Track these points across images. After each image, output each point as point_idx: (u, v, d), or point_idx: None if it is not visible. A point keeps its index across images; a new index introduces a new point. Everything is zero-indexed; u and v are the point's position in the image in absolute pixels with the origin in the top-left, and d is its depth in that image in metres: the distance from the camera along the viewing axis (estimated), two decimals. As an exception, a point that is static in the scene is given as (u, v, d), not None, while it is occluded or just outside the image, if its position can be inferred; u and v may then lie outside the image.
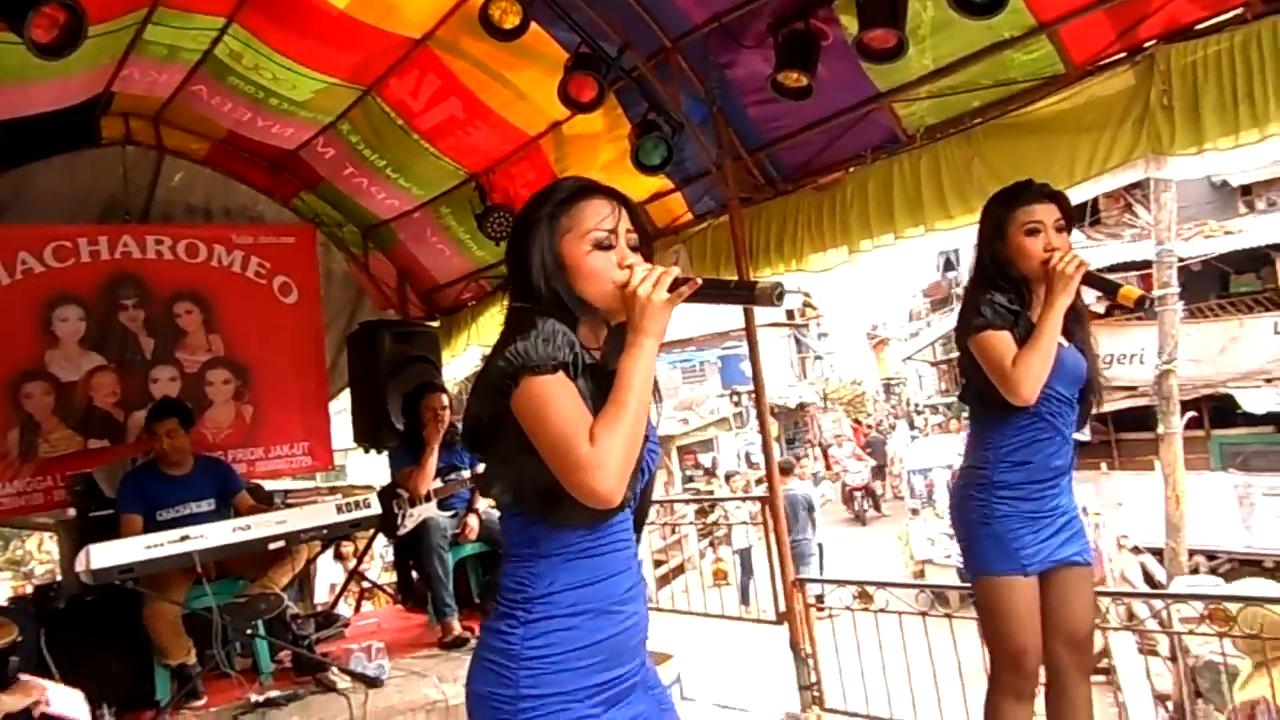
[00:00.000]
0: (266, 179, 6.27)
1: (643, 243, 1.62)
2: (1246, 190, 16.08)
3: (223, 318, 5.94)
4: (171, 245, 5.77)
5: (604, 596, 1.53)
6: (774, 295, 1.47)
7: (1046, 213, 2.47)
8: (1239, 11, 3.04)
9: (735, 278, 1.39)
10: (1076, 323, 2.54)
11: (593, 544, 1.53)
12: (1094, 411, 2.63)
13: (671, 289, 1.49)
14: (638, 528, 1.67)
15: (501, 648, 1.52)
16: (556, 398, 1.43)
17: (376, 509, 4.36)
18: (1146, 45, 3.26)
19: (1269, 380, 12.17)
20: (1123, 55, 3.34)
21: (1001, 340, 2.43)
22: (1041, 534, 2.49)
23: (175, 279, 5.78)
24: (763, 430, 4.83)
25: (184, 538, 3.82)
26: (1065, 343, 2.52)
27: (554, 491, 1.44)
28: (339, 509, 4.27)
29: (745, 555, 10.78)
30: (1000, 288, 2.51)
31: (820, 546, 11.42)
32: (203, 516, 4.44)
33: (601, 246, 1.56)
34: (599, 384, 1.50)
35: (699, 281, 1.50)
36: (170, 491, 4.49)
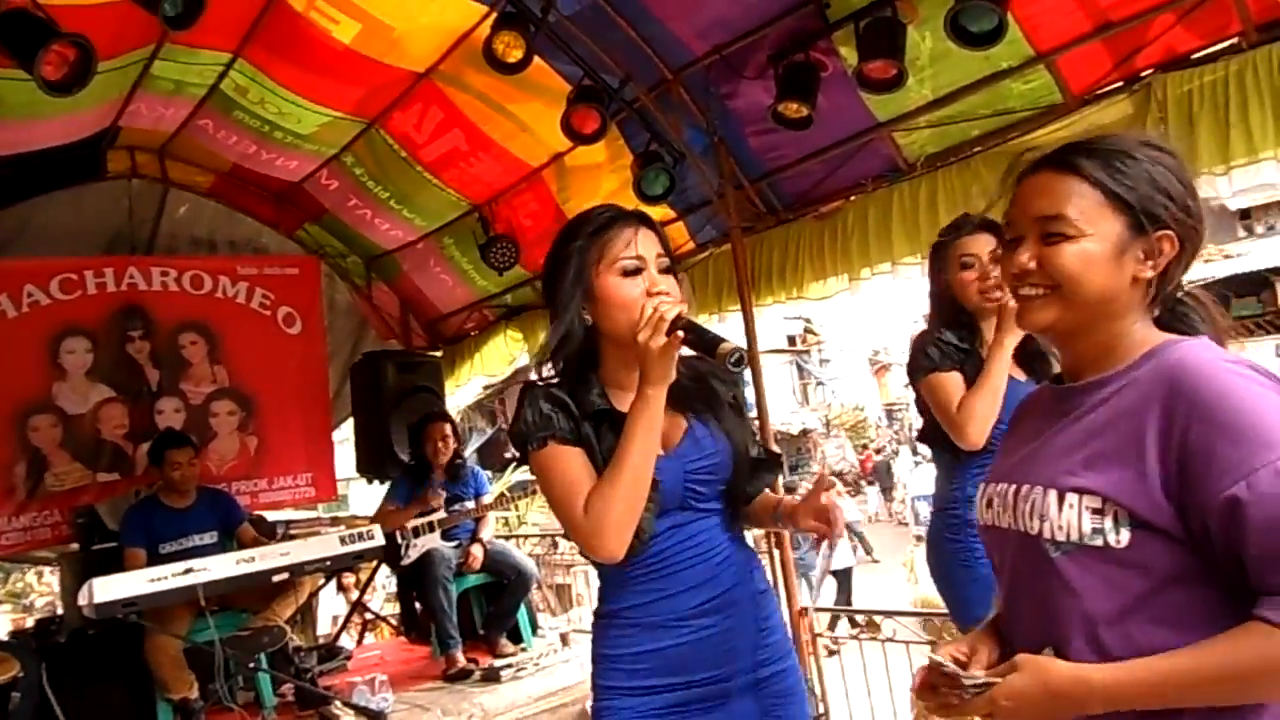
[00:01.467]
0: (271, 211, 6.31)
1: (673, 270, 1.64)
2: (1245, 214, 16.16)
3: (227, 349, 5.95)
4: (177, 277, 5.80)
5: (665, 612, 1.60)
6: (729, 359, 1.48)
7: (982, 245, 2.43)
8: (1234, 41, 3.08)
9: (713, 333, 1.41)
10: (1038, 357, 2.49)
11: (642, 573, 1.61)
12: None
13: (671, 330, 1.49)
14: (732, 529, 1.70)
15: (591, 648, 1.71)
16: (550, 469, 1.56)
17: (380, 540, 4.35)
18: (1144, 74, 3.30)
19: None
20: (1120, 85, 3.37)
21: (948, 382, 2.41)
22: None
23: (181, 310, 5.80)
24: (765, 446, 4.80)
25: (188, 570, 3.80)
26: (1022, 378, 2.47)
27: None
28: (342, 540, 4.25)
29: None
30: (951, 325, 2.49)
31: (849, 572, 11.45)
32: (206, 549, 4.43)
33: (629, 273, 1.58)
34: (616, 430, 1.56)
35: (683, 329, 1.50)
36: (173, 524, 4.49)
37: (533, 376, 1.72)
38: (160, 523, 4.47)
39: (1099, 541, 1.14)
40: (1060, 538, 1.17)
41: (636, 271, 1.58)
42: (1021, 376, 2.47)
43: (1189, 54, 3.20)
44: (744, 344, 4.53)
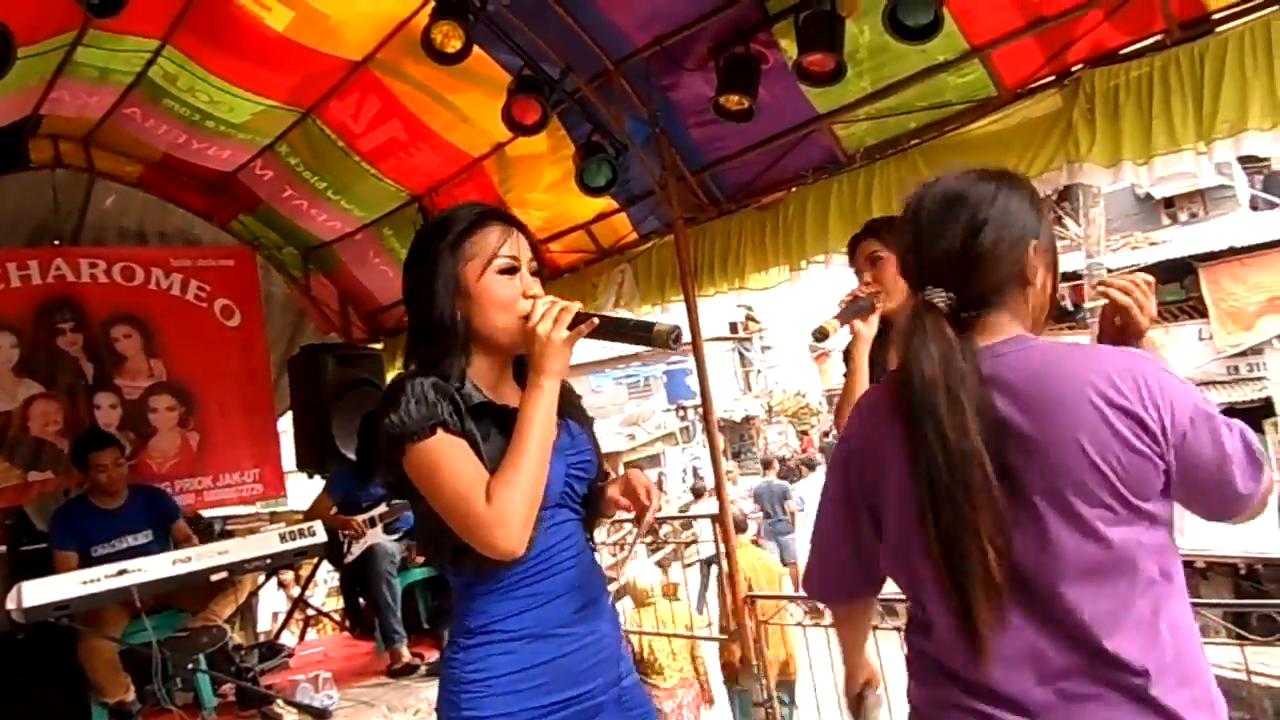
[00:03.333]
0: (203, 201, 6.15)
1: (540, 274, 1.61)
2: (1169, 203, 16.67)
3: (163, 342, 5.80)
4: (107, 268, 5.63)
5: (544, 621, 1.52)
6: (669, 338, 1.45)
7: (864, 248, 2.55)
8: (1159, 38, 3.18)
9: (632, 317, 1.42)
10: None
11: (524, 575, 1.51)
12: None
13: (572, 326, 1.48)
14: (589, 533, 1.66)
15: (449, 674, 1.54)
16: (442, 460, 1.43)
17: (322, 537, 4.28)
18: (1074, 69, 3.39)
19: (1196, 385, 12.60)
20: (1051, 79, 3.46)
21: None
22: None
23: (112, 302, 5.64)
24: (711, 445, 4.85)
25: (121, 572, 3.70)
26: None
27: (461, 547, 1.46)
28: (283, 537, 4.17)
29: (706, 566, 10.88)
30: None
31: None
32: (140, 549, 4.32)
33: (504, 271, 1.55)
34: (499, 425, 1.51)
35: (595, 321, 1.49)
36: (106, 525, 4.37)
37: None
38: (91, 524, 4.34)
39: None
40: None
41: (512, 271, 1.55)
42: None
43: (1117, 49, 3.29)
44: (688, 334, 4.60)
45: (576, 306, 1.50)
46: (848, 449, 1.45)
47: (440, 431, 1.44)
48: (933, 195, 1.35)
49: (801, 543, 11.58)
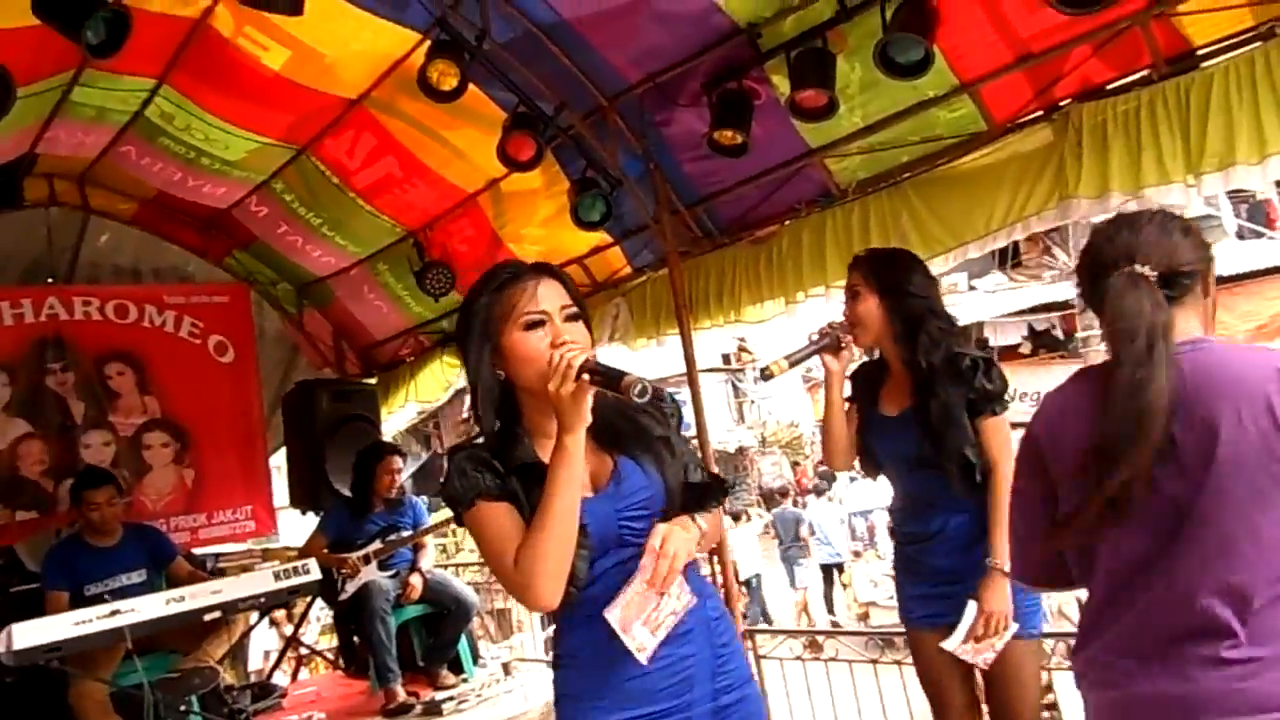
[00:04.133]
0: (197, 238, 6.16)
1: (585, 317, 1.68)
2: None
3: (157, 379, 5.79)
4: (100, 306, 5.63)
5: (614, 649, 1.60)
6: (634, 392, 1.47)
7: (847, 282, 2.68)
8: (1146, 73, 3.23)
9: (621, 371, 1.46)
10: (924, 388, 2.52)
11: (593, 610, 1.60)
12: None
13: (579, 375, 1.51)
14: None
15: (553, 688, 1.74)
16: (479, 528, 1.61)
17: (316, 575, 4.25)
18: (1062, 104, 3.43)
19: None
20: (1040, 114, 3.51)
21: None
22: (920, 589, 2.62)
23: (105, 340, 5.64)
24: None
25: (114, 612, 3.65)
26: (892, 414, 2.62)
27: None
28: (276, 576, 4.14)
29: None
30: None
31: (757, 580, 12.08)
32: (133, 589, 4.28)
33: (531, 326, 1.61)
34: (543, 482, 1.57)
35: (586, 377, 1.51)
36: (99, 564, 4.33)
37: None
38: (85, 563, 4.31)
39: None
40: None
41: (539, 324, 1.61)
42: (890, 413, 2.73)
43: (1104, 84, 3.35)
44: (684, 367, 4.60)
45: (583, 358, 1.53)
46: (1037, 444, 1.59)
47: (480, 502, 1.59)
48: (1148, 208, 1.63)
49: (812, 569, 12.26)
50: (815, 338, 2.63)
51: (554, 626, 1.74)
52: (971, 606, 2.39)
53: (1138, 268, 1.48)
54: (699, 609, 1.68)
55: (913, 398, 2.53)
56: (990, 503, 2.43)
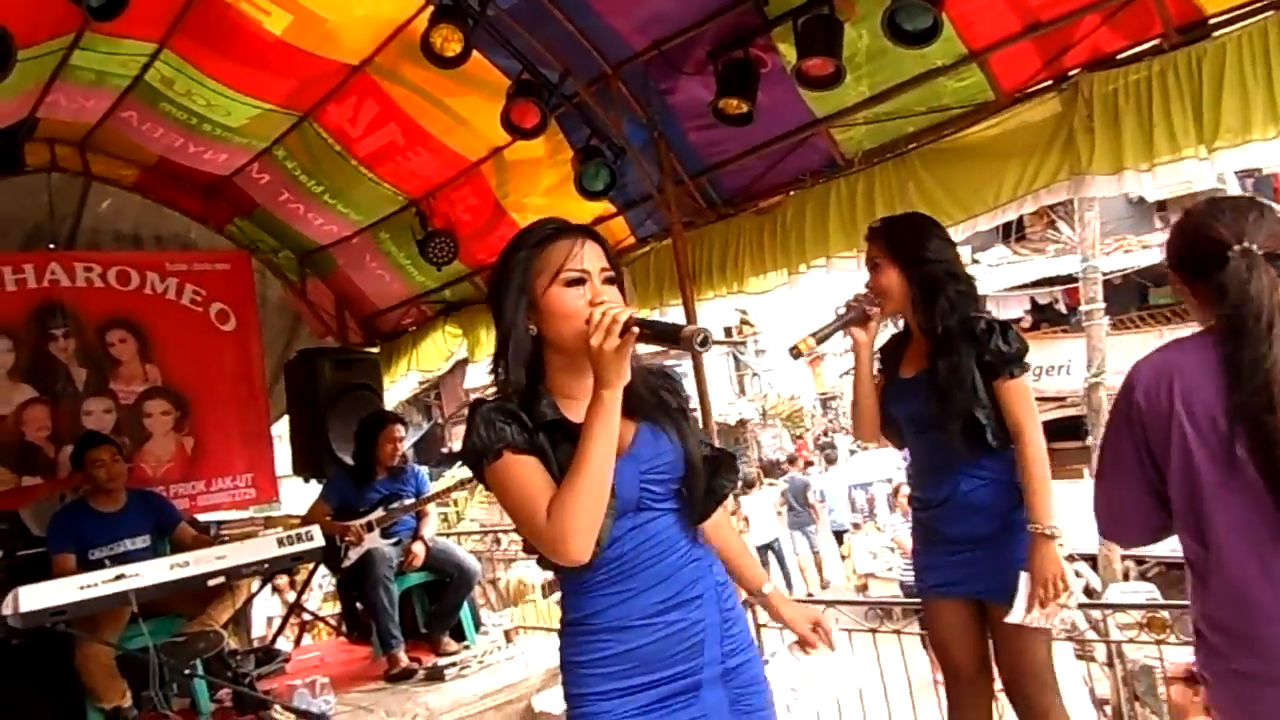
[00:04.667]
0: (199, 205, 6.14)
1: (617, 280, 1.66)
2: (1161, 206, 16.70)
3: (159, 346, 5.80)
4: (102, 273, 5.63)
5: (628, 614, 1.62)
6: (695, 341, 1.46)
7: (867, 253, 2.68)
8: (1157, 42, 3.19)
9: (671, 322, 1.51)
10: (938, 351, 2.51)
11: (607, 575, 1.62)
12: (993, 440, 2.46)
13: (624, 331, 1.49)
14: (695, 524, 1.72)
15: (561, 657, 1.71)
16: (508, 480, 1.57)
17: (320, 541, 4.25)
18: (1071, 73, 3.40)
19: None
20: (1049, 83, 3.47)
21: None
22: (932, 557, 2.63)
23: (107, 307, 5.64)
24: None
25: (119, 576, 3.66)
26: (908, 376, 2.62)
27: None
28: (280, 542, 4.15)
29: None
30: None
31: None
32: (138, 553, 4.30)
33: (572, 283, 1.60)
34: (569, 437, 1.57)
35: (636, 330, 1.50)
36: (103, 528, 4.35)
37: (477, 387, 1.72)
38: (90, 527, 4.32)
39: None
40: None
41: (580, 282, 1.61)
42: (906, 375, 2.74)
43: (1114, 54, 3.31)
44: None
45: (627, 314, 1.51)
46: (1133, 407, 1.67)
47: (507, 453, 1.56)
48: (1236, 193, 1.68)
49: (824, 534, 12.94)
50: (841, 311, 2.62)
51: (562, 595, 1.73)
52: (1024, 578, 2.36)
53: (1253, 248, 1.58)
54: (707, 575, 1.70)
55: (928, 360, 2.52)
56: (1023, 468, 2.39)
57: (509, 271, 1.64)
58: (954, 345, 2.45)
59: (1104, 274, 12.27)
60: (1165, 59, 3.14)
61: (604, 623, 1.64)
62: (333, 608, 8.23)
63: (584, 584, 1.65)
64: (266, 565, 4.09)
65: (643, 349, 1.61)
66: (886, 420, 2.70)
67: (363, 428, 5.11)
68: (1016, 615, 2.37)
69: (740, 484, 15.29)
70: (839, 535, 12.89)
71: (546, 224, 1.69)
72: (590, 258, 1.62)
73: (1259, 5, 2.98)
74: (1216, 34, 3.05)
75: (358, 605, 5.42)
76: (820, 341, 2.58)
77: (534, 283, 1.62)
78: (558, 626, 1.76)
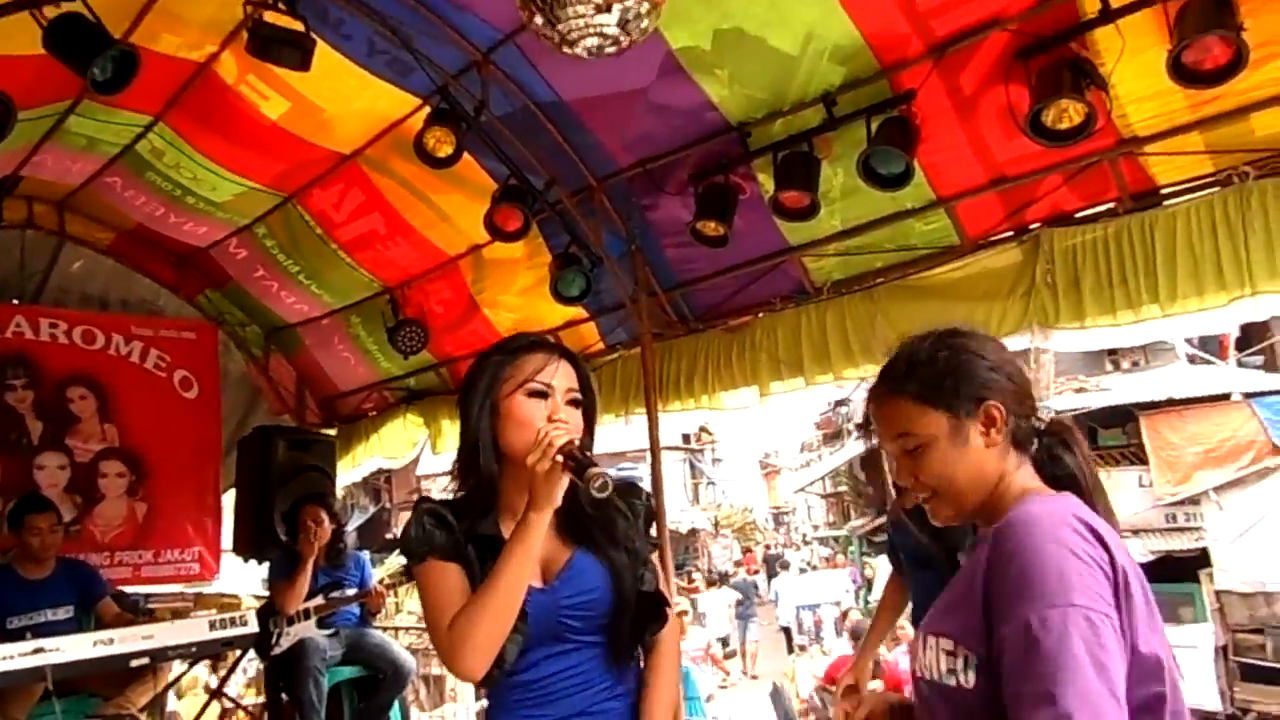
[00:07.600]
0: (171, 274, 6.14)
1: (586, 406, 1.67)
2: (1112, 351, 17.26)
3: (119, 407, 5.71)
4: (67, 330, 5.57)
5: None
6: (594, 485, 1.45)
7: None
8: (1112, 205, 3.38)
9: (591, 460, 1.47)
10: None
11: (521, 698, 1.60)
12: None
13: (566, 457, 1.50)
14: (618, 663, 1.65)
15: None
16: (426, 584, 1.60)
17: (254, 627, 4.12)
18: (1032, 227, 3.58)
19: (1135, 532, 12.79)
20: (1011, 234, 3.65)
21: None
22: None
23: (69, 363, 5.56)
24: (661, 555, 4.80)
25: (38, 650, 3.51)
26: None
27: None
28: (212, 625, 4.00)
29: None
30: None
31: None
32: (59, 625, 4.12)
33: (534, 395, 1.62)
34: (496, 556, 1.55)
35: (561, 460, 1.50)
36: (26, 596, 4.17)
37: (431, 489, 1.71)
38: (12, 595, 4.14)
39: (952, 681, 1.24)
40: (927, 677, 1.29)
41: (542, 395, 1.62)
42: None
43: (1073, 213, 3.51)
44: (640, 438, 4.61)
45: (565, 439, 1.52)
46: (1121, 571, 1.22)
47: (430, 559, 1.58)
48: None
49: (771, 628, 14.76)
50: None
51: (484, 702, 1.71)
52: None
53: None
54: (630, 713, 1.65)
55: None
56: None
57: (480, 374, 1.66)
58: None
59: (1058, 414, 12.53)
60: (1120, 222, 3.33)
61: None
62: (255, 696, 7.88)
63: (503, 702, 1.63)
64: (194, 649, 3.94)
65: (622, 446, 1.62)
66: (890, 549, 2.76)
67: (290, 509, 5.03)
68: None
69: (702, 583, 16.47)
70: (787, 631, 14.42)
71: (526, 336, 1.72)
72: (560, 376, 1.64)
73: (1206, 179, 3.19)
74: (1167, 203, 3.25)
75: (283, 696, 5.21)
76: None
77: (500, 388, 1.63)
78: None
